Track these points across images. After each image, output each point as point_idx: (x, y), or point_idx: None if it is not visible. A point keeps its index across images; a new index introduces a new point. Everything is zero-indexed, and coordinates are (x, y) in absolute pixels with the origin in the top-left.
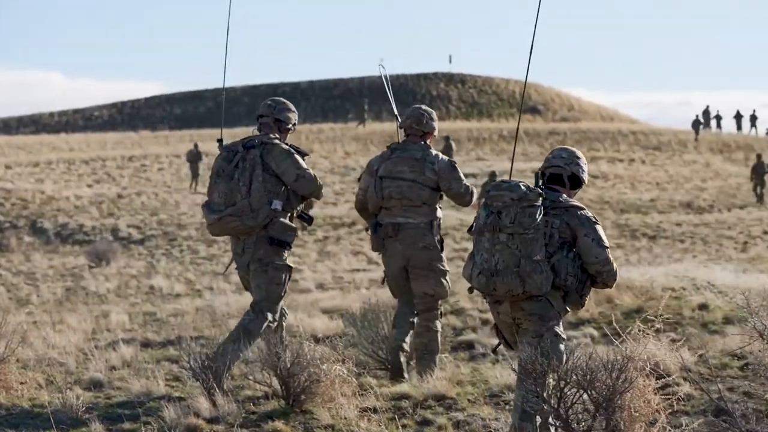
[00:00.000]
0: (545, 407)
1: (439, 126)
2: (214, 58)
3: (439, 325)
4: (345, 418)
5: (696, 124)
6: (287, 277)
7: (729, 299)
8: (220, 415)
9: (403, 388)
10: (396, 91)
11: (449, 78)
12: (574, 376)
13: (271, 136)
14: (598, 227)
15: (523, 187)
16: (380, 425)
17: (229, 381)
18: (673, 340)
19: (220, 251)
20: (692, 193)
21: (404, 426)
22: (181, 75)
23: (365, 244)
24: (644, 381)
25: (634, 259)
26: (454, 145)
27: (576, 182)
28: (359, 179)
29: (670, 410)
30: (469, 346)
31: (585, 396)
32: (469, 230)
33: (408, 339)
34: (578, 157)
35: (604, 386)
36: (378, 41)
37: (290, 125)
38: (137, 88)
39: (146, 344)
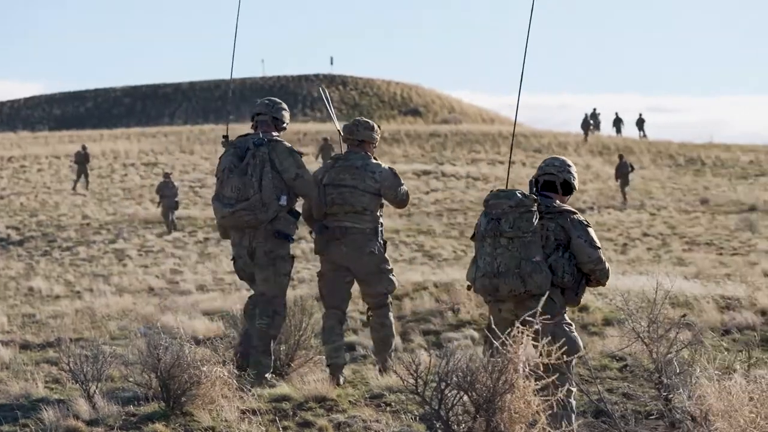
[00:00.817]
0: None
1: (320, 127)
2: (94, 59)
3: (391, 317)
4: (225, 420)
5: (585, 125)
6: (291, 267)
7: (608, 301)
8: (100, 417)
9: (283, 389)
10: (277, 93)
11: (330, 79)
12: (455, 378)
13: (274, 134)
14: (590, 230)
15: (519, 195)
16: (261, 427)
17: (108, 383)
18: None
19: (99, 252)
20: (572, 195)
21: (285, 428)
22: (61, 76)
23: None
24: (524, 382)
25: None
26: (335, 147)
27: (568, 188)
28: None
29: (550, 411)
30: (350, 347)
31: (465, 397)
32: (472, 237)
33: (343, 353)
34: (569, 166)
35: (484, 387)
36: (259, 42)
37: (285, 124)
38: (16, 89)
39: (25, 346)
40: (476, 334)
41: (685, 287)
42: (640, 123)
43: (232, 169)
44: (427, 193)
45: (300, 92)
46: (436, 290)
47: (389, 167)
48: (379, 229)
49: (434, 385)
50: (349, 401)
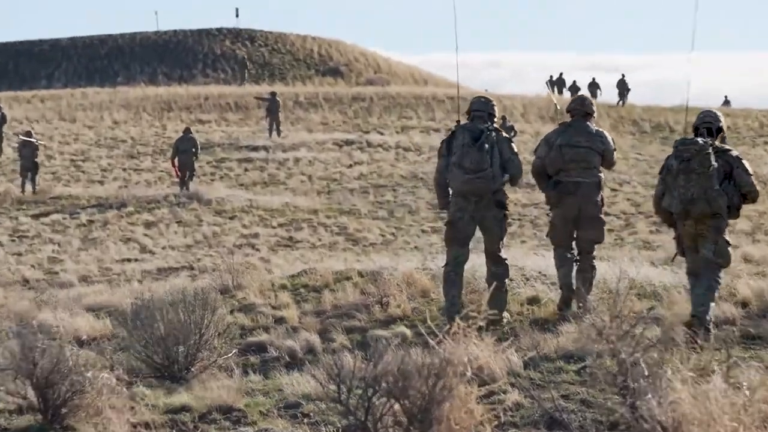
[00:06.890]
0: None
1: (222, 90)
2: None
3: (596, 262)
4: None
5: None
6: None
7: None
8: None
9: (182, 398)
10: (174, 48)
11: (236, 34)
12: (385, 384)
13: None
14: (744, 162)
15: (701, 141)
16: None
17: None
18: (499, 340)
19: None
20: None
21: None
22: None
23: (137, 229)
24: (466, 388)
25: None
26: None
27: (719, 132)
28: (535, 150)
29: (496, 422)
30: (261, 348)
31: (397, 406)
32: (660, 172)
33: (573, 275)
34: (720, 116)
35: (418, 394)
36: None
37: (496, 118)
38: None
39: None
40: (408, 332)
41: (653, 275)
42: (622, 86)
43: (470, 145)
44: (350, 166)
45: (200, 50)
46: (361, 280)
47: (607, 132)
48: (602, 183)
49: (360, 392)
50: (260, 412)
